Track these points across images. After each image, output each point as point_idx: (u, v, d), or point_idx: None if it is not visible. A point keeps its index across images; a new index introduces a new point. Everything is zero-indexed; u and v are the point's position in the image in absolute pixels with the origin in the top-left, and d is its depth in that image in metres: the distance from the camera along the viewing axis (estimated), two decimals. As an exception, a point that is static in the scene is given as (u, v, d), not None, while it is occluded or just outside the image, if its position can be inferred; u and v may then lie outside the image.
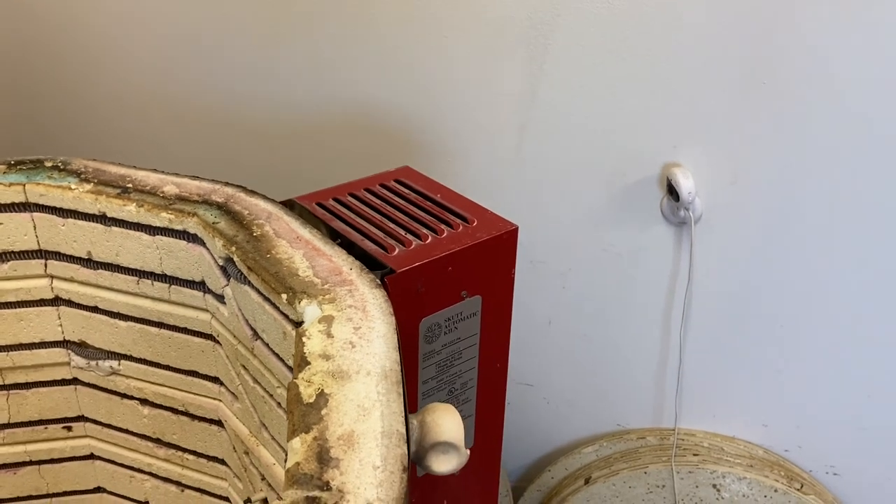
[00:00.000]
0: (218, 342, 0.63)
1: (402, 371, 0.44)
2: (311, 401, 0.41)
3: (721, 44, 0.88)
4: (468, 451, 0.45)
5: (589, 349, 1.12)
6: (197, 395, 0.67)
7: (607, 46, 0.92)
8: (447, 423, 0.44)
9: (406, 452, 0.39)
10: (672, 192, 0.94)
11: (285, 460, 0.39)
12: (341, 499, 0.36)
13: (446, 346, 0.60)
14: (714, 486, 1.06)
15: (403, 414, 0.41)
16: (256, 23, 0.99)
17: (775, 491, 1.04)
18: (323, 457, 0.38)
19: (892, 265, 0.94)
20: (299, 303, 0.49)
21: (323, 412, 0.41)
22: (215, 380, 0.66)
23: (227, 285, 0.58)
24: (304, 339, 0.46)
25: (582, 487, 1.13)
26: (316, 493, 0.36)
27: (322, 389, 0.42)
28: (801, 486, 1.05)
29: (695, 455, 1.09)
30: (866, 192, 0.91)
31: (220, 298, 0.59)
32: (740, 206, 0.96)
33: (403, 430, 0.40)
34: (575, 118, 0.97)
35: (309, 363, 0.44)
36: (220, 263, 0.57)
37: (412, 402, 0.59)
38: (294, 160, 1.06)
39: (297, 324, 0.49)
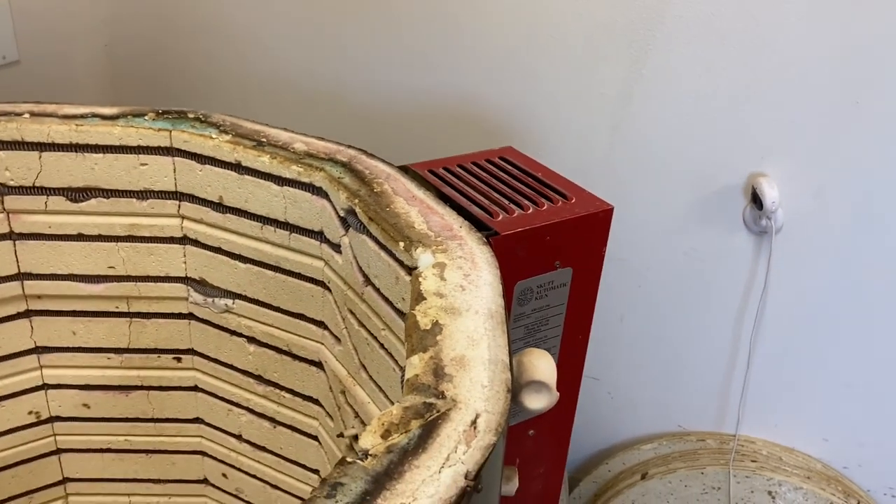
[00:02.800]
0: (328, 288, 0.69)
1: (505, 314, 0.49)
2: (428, 328, 0.47)
3: (819, 58, 0.91)
4: (558, 393, 0.50)
5: (658, 349, 1.16)
6: (301, 336, 0.74)
7: (706, 54, 0.96)
8: (542, 364, 0.49)
9: (509, 378, 0.44)
10: (756, 200, 0.97)
11: (402, 377, 0.45)
12: (454, 406, 0.41)
13: (536, 310, 0.65)
14: (769, 493, 1.09)
15: (507, 347, 0.46)
16: (365, 16, 1.06)
17: (831, 504, 1.06)
18: (438, 372, 0.44)
19: (970, 291, 0.95)
20: (415, 250, 0.55)
21: (438, 338, 0.46)
22: (320, 324, 0.72)
23: (346, 235, 0.64)
24: (420, 279, 0.52)
25: (638, 482, 1.16)
26: (433, 399, 0.42)
27: (437, 321, 0.48)
28: (858, 503, 1.07)
29: (753, 461, 1.11)
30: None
31: (337, 248, 0.66)
32: (822, 220, 0.99)
33: (507, 360, 0.45)
34: (667, 122, 1.01)
35: (425, 298, 0.50)
36: (342, 215, 0.63)
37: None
38: (397, 147, 1.12)
39: (411, 269, 0.54)
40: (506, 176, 0.68)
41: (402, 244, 0.56)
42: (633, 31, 0.97)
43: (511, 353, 0.47)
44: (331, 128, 1.14)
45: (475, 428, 0.40)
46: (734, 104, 0.97)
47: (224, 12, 1.16)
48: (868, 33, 0.88)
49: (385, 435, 0.40)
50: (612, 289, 1.13)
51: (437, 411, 0.41)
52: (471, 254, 0.54)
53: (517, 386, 0.50)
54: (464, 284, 0.51)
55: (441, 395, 0.42)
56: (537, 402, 0.49)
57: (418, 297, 0.50)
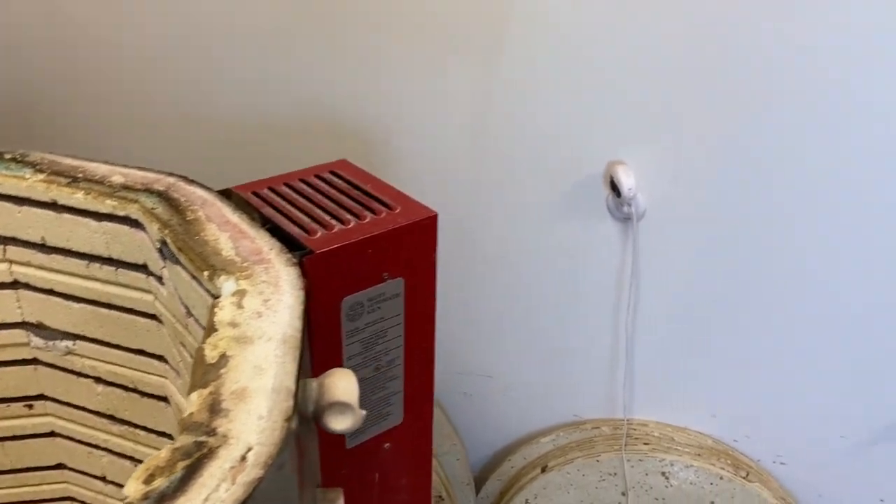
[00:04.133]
0: (161, 321, 0.67)
1: (303, 338, 0.48)
2: (213, 362, 0.46)
3: (665, 46, 0.93)
4: (363, 412, 0.49)
5: (544, 342, 1.16)
6: (145, 372, 0.72)
7: (556, 49, 0.96)
8: (342, 384, 0.48)
9: (291, 406, 0.43)
10: (615, 188, 0.98)
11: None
12: (225, 442, 0.40)
13: (370, 324, 0.64)
14: (663, 473, 1.10)
15: (295, 374, 0.45)
16: (214, 28, 1.05)
17: (721, 478, 1.08)
18: (215, 408, 0.42)
19: (827, 252, 0.98)
20: (218, 279, 0.53)
21: (222, 371, 0.45)
22: (161, 358, 0.70)
23: (164, 267, 0.62)
24: (216, 309, 0.50)
25: (539, 476, 1.17)
26: (203, 437, 0.41)
27: (225, 352, 0.46)
28: (747, 475, 1.09)
29: (645, 444, 1.13)
30: (804, 186, 0.95)
31: (160, 280, 0.64)
32: (683, 202, 1.00)
33: (292, 387, 0.44)
34: (525, 118, 1.02)
35: (217, 330, 0.48)
36: (157, 246, 0.62)
37: (337, 376, 0.63)
38: (255, 159, 1.11)
39: (217, 297, 0.53)
40: (332, 191, 0.67)
41: (206, 273, 0.54)
42: (484, 29, 0.97)
43: (300, 378, 0.46)
44: (191, 150, 1.12)
45: (244, 462, 0.39)
46: (587, 94, 0.98)
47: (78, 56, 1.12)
48: (718, 20, 0.90)
49: (149, 480, 0.38)
50: (490, 288, 1.14)
51: (206, 450, 0.40)
52: (276, 277, 0.53)
53: (320, 408, 0.49)
54: (262, 311, 0.50)
55: (213, 432, 0.41)
56: (341, 423, 0.48)
57: (210, 329, 0.48)
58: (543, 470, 1.17)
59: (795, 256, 0.99)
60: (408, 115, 1.06)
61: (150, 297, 0.67)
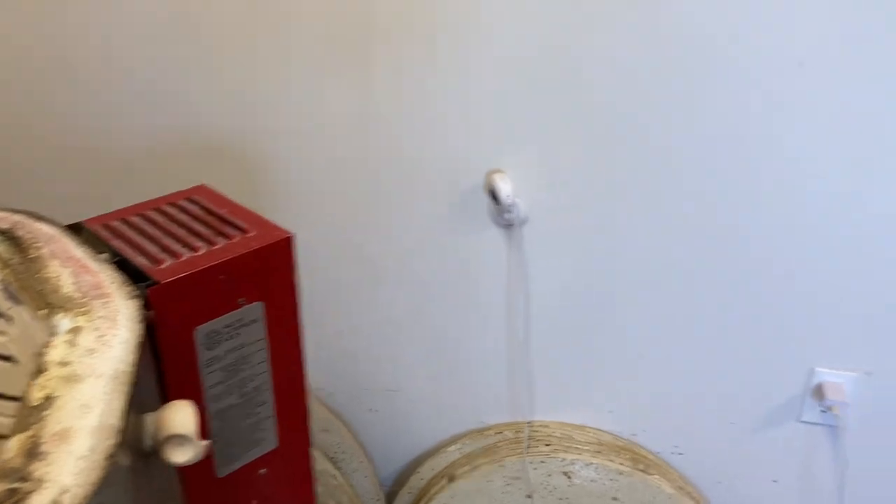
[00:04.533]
0: (16, 362, 0.65)
1: (134, 372, 0.48)
2: (37, 404, 0.45)
3: (537, 57, 0.95)
4: (204, 443, 0.49)
5: (444, 351, 1.17)
6: (2, 415, 0.69)
7: (434, 63, 0.97)
8: (179, 416, 0.48)
9: (114, 444, 0.42)
10: (496, 197, 1.00)
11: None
12: (39, 486, 0.39)
13: (230, 351, 0.64)
14: (565, 473, 1.12)
15: (122, 410, 0.45)
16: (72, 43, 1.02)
17: (620, 473, 1.10)
18: (33, 452, 0.41)
19: (695, 246, 1.01)
20: (55, 317, 0.52)
21: (45, 413, 0.44)
22: (17, 399, 0.68)
23: (12, 307, 0.61)
24: (47, 349, 0.49)
25: (447, 485, 1.17)
26: (17, 484, 0.40)
27: (51, 393, 0.45)
28: (646, 468, 1.12)
29: (547, 445, 1.14)
30: (669, 184, 0.98)
31: (10, 320, 0.62)
32: (562, 206, 1.02)
33: (117, 424, 0.44)
34: (404, 131, 1.02)
35: (46, 370, 0.47)
36: (2, 286, 0.60)
37: (199, 406, 0.63)
38: (115, 183, 1.09)
39: (53, 336, 0.52)
40: (186, 218, 0.66)
41: (43, 312, 0.53)
42: (359, 43, 0.98)
43: (135, 413, 0.46)
44: (79, 178, 1.09)
45: (58, 506, 0.38)
46: (463, 104, 0.99)
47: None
48: (571, 22, 0.92)
49: (-44, 534, 0.37)
50: (384, 301, 1.14)
51: (18, 497, 0.39)
52: (115, 312, 0.52)
53: (158, 442, 0.48)
54: (95, 347, 0.49)
55: (27, 478, 0.40)
56: (181, 455, 0.48)
57: (38, 371, 0.47)
58: (451, 479, 1.17)
59: (666, 252, 1.02)
60: (288, 135, 1.05)
61: (3, 339, 0.65)
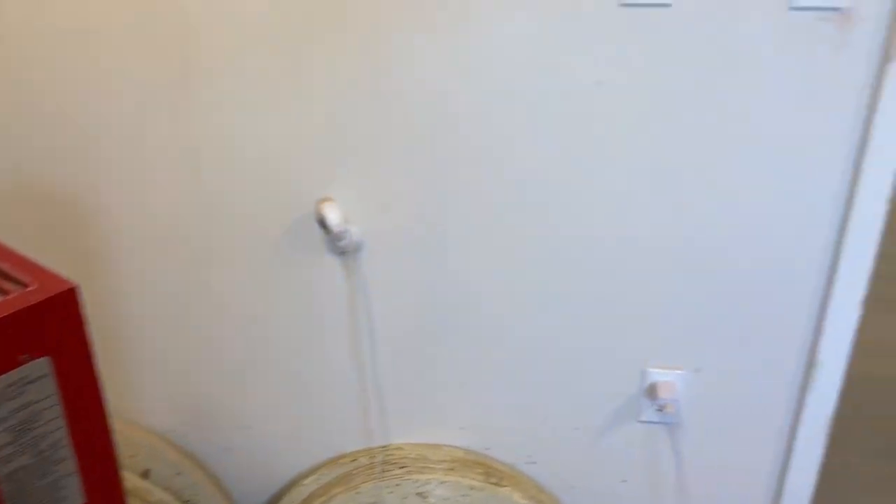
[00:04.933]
0: None
1: None
2: None
3: (356, 79, 0.95)
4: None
5: (293, 383, 1.16)
6: None
7: (250, 86, 0.97)
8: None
9: None
10: (325, 225, 1.00)
11: None
12: None
13: (17, 410, 0.61)
14: (419, 494, 1.13)
15: None
16: None
17: (472, 489, 1.12)
18: None
19: (524, 264, 1.04)
20: None
21: None
22: None
23: None
24: None
25: (305, 518, 1.16)
26: None
27: None
28: (500, 480, 1.13)
29: (402, 468, 1.15)
30: (499, 201, 1.01)
31: None
32: (396, 230, 1.03)
33: None
34: (233, 163, 1.01)
35: None
36: None
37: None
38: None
39: None
40: (-37, 275, 0.63)
41: None
42: (180, 74, 0.96)
43: None
44: None
45: None
46: (292, 134, 0.99)
47: None
48: (381, 46, 0.93)
49: None
50: (232, 338, 1.12)
51: None
52: None
53: None
54: None
55: None
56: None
57: None
58: (309, 511, 1.16)
59: (498, 266, 1.04)
60: (111, 174, 1.02)
61: None
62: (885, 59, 0.87)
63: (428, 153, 0.99)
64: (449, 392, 1.14)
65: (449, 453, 1.17)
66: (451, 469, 1.14)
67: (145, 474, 1.19)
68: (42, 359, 0.62)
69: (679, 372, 1.08)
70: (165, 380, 1.19)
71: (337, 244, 1.02)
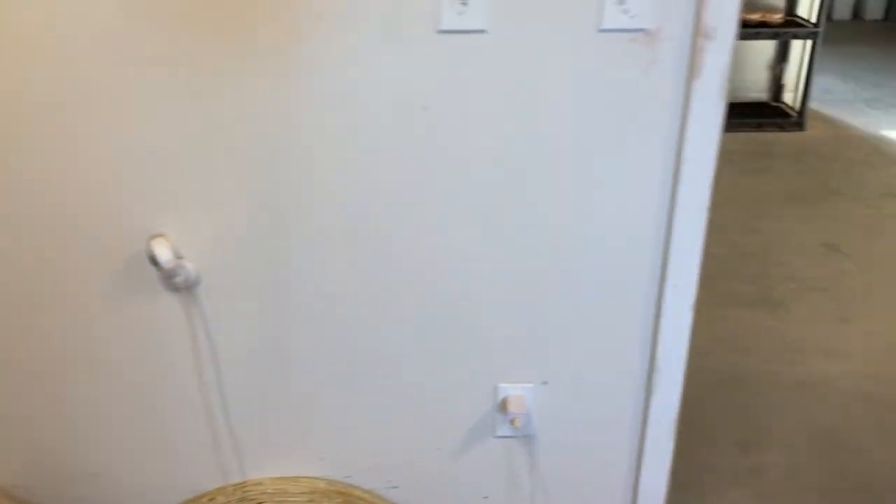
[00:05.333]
0: None
1: None
2: None
3: (179, 114, 0.93)
4: None
5: (144, 425, 1.12)
6: None
7: (75, 124, 0.93)
8: None
9: None
10: (156, 262, 0.97)
11: None
12: None
13: None
14: (279, 529, 1.10)
15: None
16: None
17: (331, 518, 1.10)
18: None
19: (370, 291, 1.04)
20: None
21: None
22: None
23: None
24: None
25: (162, 564, 1.12)
26: None
27: None
28: (361, 507, 1.13)
29: (260, 503, 1.12)
30: (334, 233, 1.00)
31: None
32: (234, 263, 1.01)
33: None
34: (64, 197, 0.97)
35: None
36: None
37: None
38: None
39: None
40: None
41: None
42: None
43: None
44: None
45: None
46: (120, 173, 0.96)
47: None
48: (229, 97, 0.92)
49: None
50: (74, 383, 1.08)
51: None
52: None
53: None
54: None
55: None
56: None
57: None
58: (165, 557, 1.12)
59: (338, 297, 1.04)
60: None
61: None
62: (690, 77, 0.92)
63: (261, 185, 0.97)
64: (304, 422, 1.13)
65: (309, 485, 1.15)
66: (311, 501, 1.12)
67: (-13, 534, 1.12)
68: None
69: (528, 385, 1.10)
70: (4, 433, 1.12)
71: (171, 280, 1.00)
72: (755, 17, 3.25)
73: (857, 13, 5.63)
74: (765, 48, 3.47)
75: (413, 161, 0.96)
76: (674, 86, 0.92)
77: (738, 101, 3.54)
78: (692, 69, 0.91)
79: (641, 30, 0.90)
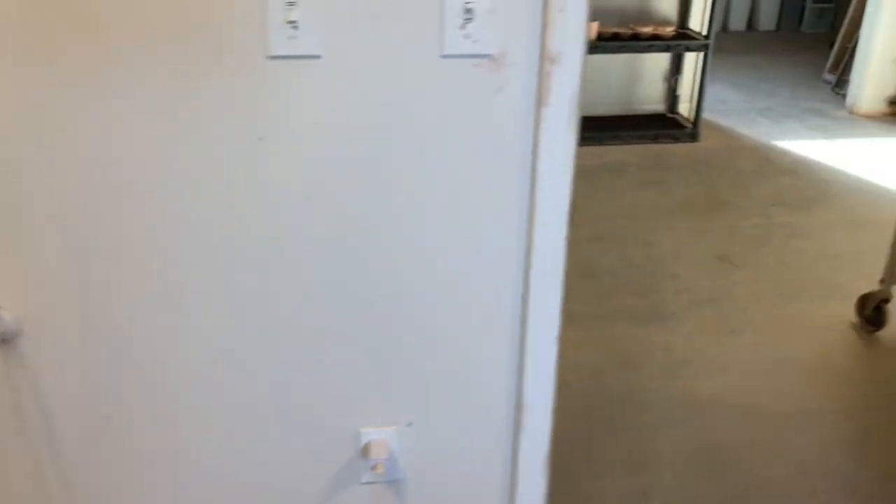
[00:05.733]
0: None
1: None
2: None
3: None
4: None
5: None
6: None
7: None
8: None
9: None
10: (-36, 315, 0.87)
11: None
12: None
13: None
14: None
15: None
16: None
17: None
18: None
19: (212, 332, 0.96)
20: None
21: None
22: None
23: None
24: None
25: None
26: None
27: None
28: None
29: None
30: (169, 274, 0.92)
31: None
32: (59, 312, 0.92)
33: None
34: None
35: None
36: None
37: None
38: None
39: None
40: None
41: None
42: None
43: None
44: None
45: None
46: None
47: None
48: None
49: None
50: None
51: None
52: None
53: None
54: None
55: None
56: None
57: None
58: None
59: (175, 343, 0.96)
60: None
61: None
62: (538, 104, 0.87)
63: (79, 228, 0.88)
64: (145, 478, 1.04)
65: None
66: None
67: None
68: None
69: (392, 429, 1.04)
70: None
71: (-15, 333, 0.90)
72: (647, 30, 3.29)
73: (751, 24, 5.82)
74: (660, 60, 3.52)
75: (249, 195, 0.89)
76: (523, 113, 0.88)
77: (635, 113, 3.59)
78: (540, 96, 0.87)
79: (486, 55, 0.85)
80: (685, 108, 3.55)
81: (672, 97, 3.58)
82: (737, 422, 1.70)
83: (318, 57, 0.83)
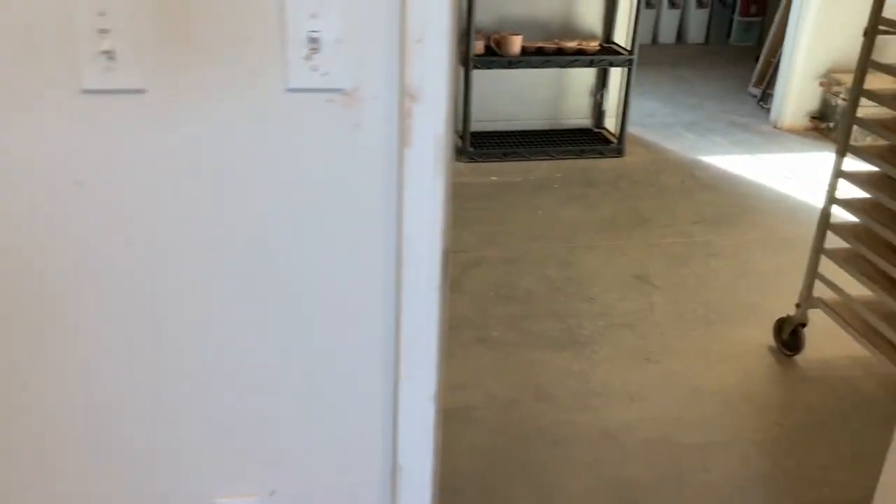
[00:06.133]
0: None
1: None
2: None
3: None
4: None
5: None
6: None
7: None
8: None
9: None
10: None
11: None
12: None
13: None
14: None
15: None
16: None
17: None
18: None
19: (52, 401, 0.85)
20: None
21: None
22: None
23: None
24: None
25: None
26: None
27: None
28: None
29: None
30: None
31: None
32: None
33: None
34: None
35: None
36: None
37: None
38: None
39: None
40: None
41: None
42: None
43: None
44: None
45: None
46: None
47: None
48: None
49: None
50: None
51: None
52: None
53: None
54: None
55: None
56: None
57: None
58: None
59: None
60: None
61: None
62: (402, 144, 0.78)
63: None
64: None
65: None
66: None
67: None
68: None
69: (252, 499, 0.94)
70: None
71: None
72: (572, 44, 3.24)
73: (680, 36, 5.86)
74: (586, 75, 3.48)
75: (68, 246, 0.78)
76: (386, 152, 0.79)
77: (562, 127, 3.54)
78: (402, 135, 0.78)
79: (338, 90, 0.76)
80: (611, 122, 3.51)
81: (598, 112, 3.55)
82: (649, 455, 1.64)
83: (142, 91, 0.73)
